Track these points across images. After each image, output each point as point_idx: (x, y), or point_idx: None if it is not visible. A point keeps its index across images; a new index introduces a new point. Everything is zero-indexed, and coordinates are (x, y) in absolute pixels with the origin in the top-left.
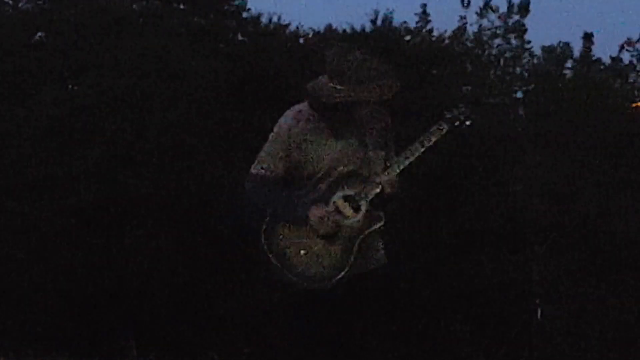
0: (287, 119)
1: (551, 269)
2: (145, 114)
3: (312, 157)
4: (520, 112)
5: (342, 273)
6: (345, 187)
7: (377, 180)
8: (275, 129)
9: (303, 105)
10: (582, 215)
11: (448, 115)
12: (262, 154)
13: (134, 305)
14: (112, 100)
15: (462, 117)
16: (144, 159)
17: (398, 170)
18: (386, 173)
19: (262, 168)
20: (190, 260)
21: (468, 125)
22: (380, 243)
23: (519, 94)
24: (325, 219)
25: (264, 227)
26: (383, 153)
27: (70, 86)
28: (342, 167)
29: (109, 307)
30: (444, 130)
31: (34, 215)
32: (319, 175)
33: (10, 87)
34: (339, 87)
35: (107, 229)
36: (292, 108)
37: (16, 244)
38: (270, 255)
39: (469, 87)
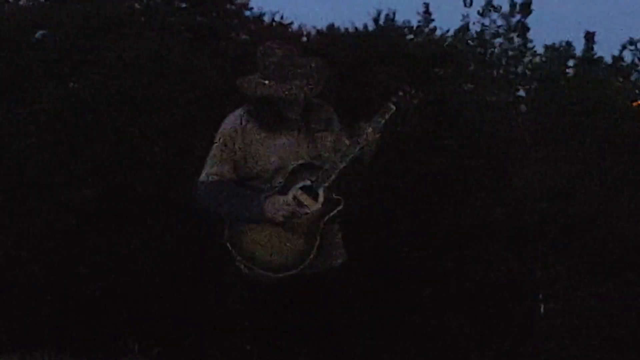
0: (228, 123)
1: (553, 266)
2: (147, 113)
3: (259, 157)
4: (523, 109)
5: (307, 261)
6: (301, 180)
7: (333, 166)
8: (217, 136)
9: (243, 108)
10: (584, 213)
11: (394, 99)
12: (208, 162)
13: (137, 302)
14: (113, 99)
15: (408, 97)
16: (145, 158)
17: (353, 155)
18: (340, 159)
19: (211, 174)
20: (192, 257)
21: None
22: (340, 240)
23: (521, 92)
24: (281, 209)
25: (225, 226)
26: (332, 139)
27: (71, 84)
28: (292, 163)
29: (111, 304)
30: (392, 111)
31: (35, 213)
32: (269, 174)
33: (10, 85)
34: (264, 82)
35: (108, 227)
36: (232, 113)
37: (17, 242)
38: (233, 250)
39: (471, 86)
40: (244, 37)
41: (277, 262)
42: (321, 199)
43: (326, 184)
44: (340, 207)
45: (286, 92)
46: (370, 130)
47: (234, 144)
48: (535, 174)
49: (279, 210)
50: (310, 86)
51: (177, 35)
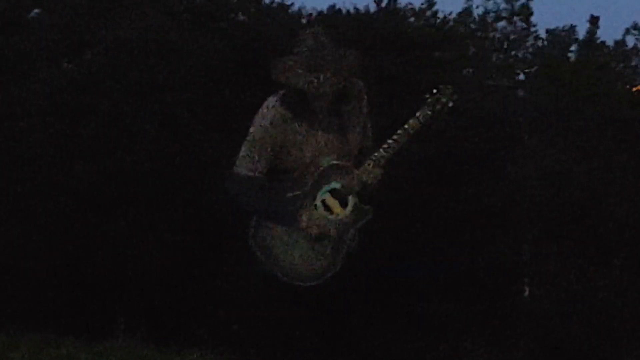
0: (264, 114)
1: (542, 250)
2: (144, 93)
3: (293, 151)
4: (521, 93)
5: (333, 271)
6: (331, 181)
7: (361, 173)
8: (253, 127)
9: (277, 97)
10: (579, 198)
11: (429, 100)
12: (242, 153)
13: (124, 282)
14: (109, 79)
15: (444, 100)
16: (141, 138)
17: (382, 162)
18: (370, 165)
19: (244, 168)
20: (181, 239)
21: (453, 107)
22: (355, 233)
23: (521, 77)
24: (317, 224)
25: (251, 225)
26: (360, 142)
27: (67, 64)
28: (323, 158)
29: (99, 284)
30: (428, 116)
31: (28, 194)
32: (302, 168)
33: (5, 64)
34: (296, 69)
35: (101, 207)
36: (267, 101)
37: (8, 222)
38: (259, 254)
39: (471, 70)
40: (243, 17)
41: (303, 271)
42: (351, 206)
43: (355, 190)
44: (369, 217)
45: (312, 86)
46: (404, 137)
47: (269, 136)
48: (531, 158)
49: (313, 225)
50: (338, 80)
51: (175, 15)
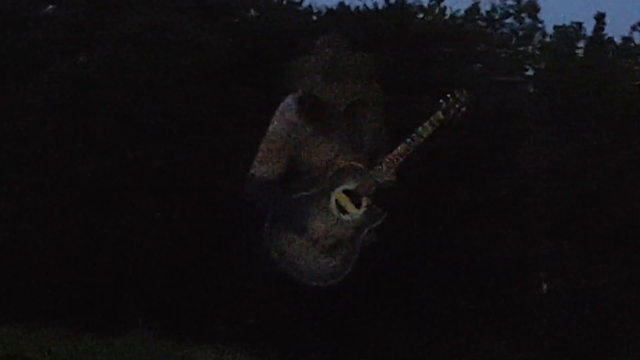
0: (281, 116)
1: (558, 245)
2: (154, 88)
3: (309, 153)
4: (530, 89)
5: (347, 271)
6: (345, 181)
7: (375, 174)
8: (271, 129)
9: (294, 99)
10: (590, 193)
11: (443, 105)
12: (260, 154)
13: (141, 278)
14: (119, 74)
15: (457, 105)
16: (151, 133)
17: (396, 165)
18: (384, 168)
19: (261, 170)
20: (196, 233)
21: (467, 111)
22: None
23: (530, 72)
24: (326, 230)
25: (265, 227)
26: (375, 144)
27: (80, 58)
28: (339, 161)
29: (116, 280)
30: (442, 121)
31: (38, 188)
32: (317, 170)
33: (19, 60)
34: (314, 76)
35: (113, 201)
36: (283, 103)
37: (21, 218)
38: (273, 254)
39: (480, 65)
40: (254, 13)
41: (316, 271)
42: (364, 206)
43: (370, 192)
44: (382, 219)
45: (329, 95)
46: (419, 140)
47: (287, 138)
48: (541, 152)
49: (324, 234)
50: (355, 88)
51: (186, 11)
